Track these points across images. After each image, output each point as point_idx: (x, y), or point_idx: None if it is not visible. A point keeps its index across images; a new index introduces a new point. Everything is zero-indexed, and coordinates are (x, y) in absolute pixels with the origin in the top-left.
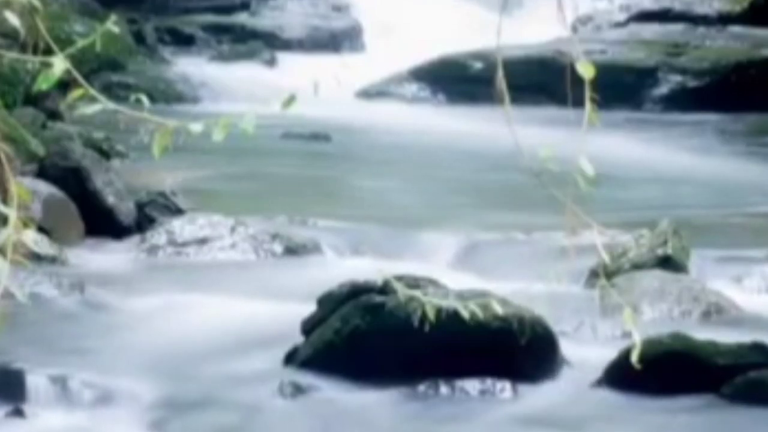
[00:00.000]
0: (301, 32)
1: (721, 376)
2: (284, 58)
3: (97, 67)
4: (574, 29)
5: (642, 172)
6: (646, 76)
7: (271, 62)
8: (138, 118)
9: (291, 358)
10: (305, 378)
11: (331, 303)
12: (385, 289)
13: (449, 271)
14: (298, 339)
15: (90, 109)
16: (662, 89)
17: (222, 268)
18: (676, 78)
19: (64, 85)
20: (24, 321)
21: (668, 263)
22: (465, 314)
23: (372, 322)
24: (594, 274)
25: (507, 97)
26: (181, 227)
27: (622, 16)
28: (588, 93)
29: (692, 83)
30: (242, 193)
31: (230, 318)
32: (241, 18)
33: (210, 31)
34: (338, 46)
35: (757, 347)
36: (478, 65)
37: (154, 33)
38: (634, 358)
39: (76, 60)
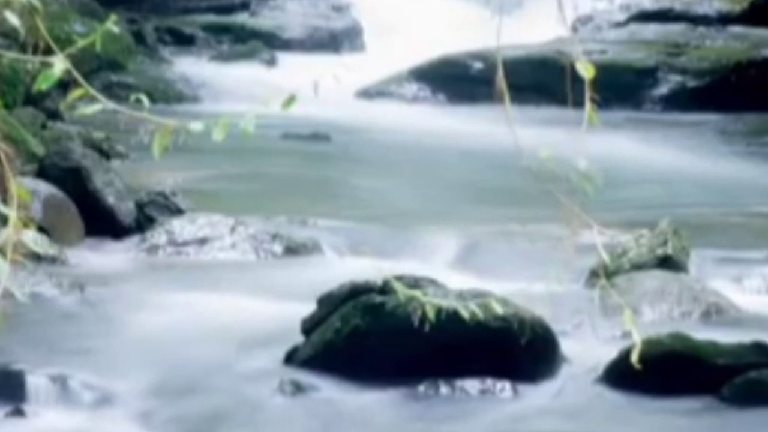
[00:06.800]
0: (301, 32)
1: (721, 376)
2: (284, 58)
3: (97, 67)
4: (574, 29)
5: (642, 172)
6: (646, 76)
7: (271, 62)
8: (138, 118)
9: (291, 358)
10: (305, 377)
11: (331, 303)
12: (385, 289)
13: (449, 271)
14: (298, 339)
15: (90, 109)
16: (662, 89)
17: (222, 268)
18: (676, 78)
19: (64, 85)
20: (24, 321)
21: (668, 263)
22: (465, 314)
23: (372, 322)
24: (594, 274)
25: (507, 97)
26: (181, 227)
27: (622, 16)
28: (588, 93)
29: (692, 83)
30: (242, 193)
31: (230, 318)
32: (241, 18)
33: (210, 31)
34: (338, 46)
35: (757, 347)
36: (478, 65)
37: (154, 33)
38: (634, 358)
39: (76, 60)
